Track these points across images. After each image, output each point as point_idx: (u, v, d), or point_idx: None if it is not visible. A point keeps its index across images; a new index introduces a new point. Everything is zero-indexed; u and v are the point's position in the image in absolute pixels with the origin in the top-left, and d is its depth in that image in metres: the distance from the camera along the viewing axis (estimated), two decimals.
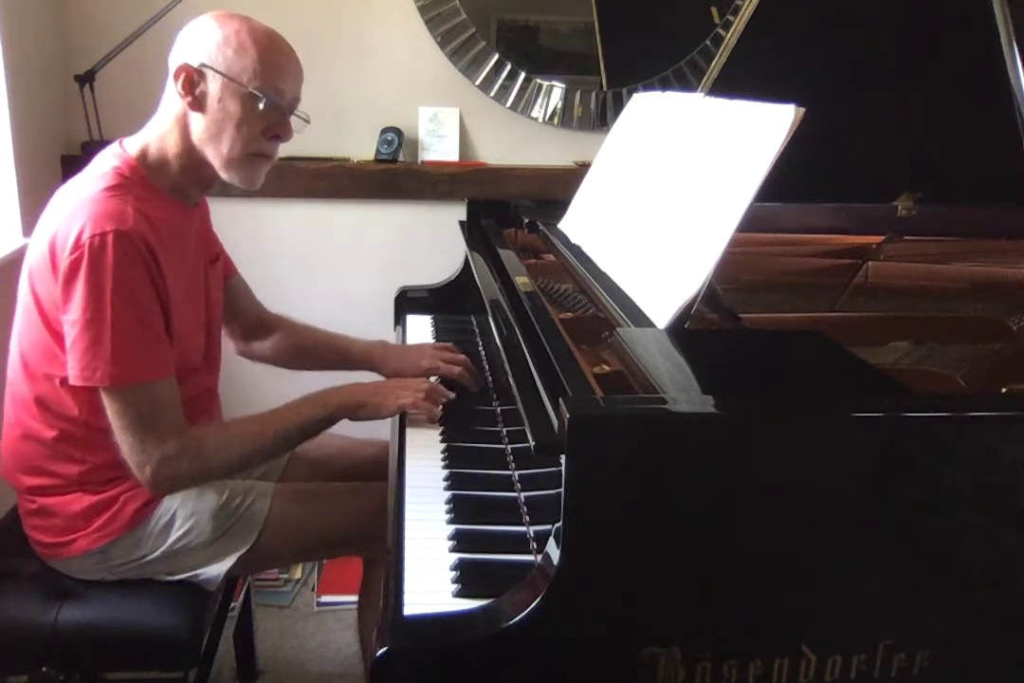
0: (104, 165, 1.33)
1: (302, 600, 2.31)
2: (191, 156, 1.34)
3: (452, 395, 1.48)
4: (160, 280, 1.27)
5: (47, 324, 1.29)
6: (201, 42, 1.31)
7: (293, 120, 1.38)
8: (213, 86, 1.30)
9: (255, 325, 1.71)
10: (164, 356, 1.29)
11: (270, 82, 1.31)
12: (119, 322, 1.22)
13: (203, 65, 1.30)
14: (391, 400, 1.42)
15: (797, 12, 1.59)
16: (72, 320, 1.23)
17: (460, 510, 1.19)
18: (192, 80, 1.30)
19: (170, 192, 1.37)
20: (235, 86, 1.30)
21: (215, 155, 1.33)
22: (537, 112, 2.45)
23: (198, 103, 1.31)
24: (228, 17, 1.33)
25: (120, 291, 1.22)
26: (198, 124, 1.32)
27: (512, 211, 1.99)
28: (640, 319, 1.15)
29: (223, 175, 1.36)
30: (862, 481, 0.90)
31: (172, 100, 1.34)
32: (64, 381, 1.27)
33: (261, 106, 1.31)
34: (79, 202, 1.26)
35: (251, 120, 1.32)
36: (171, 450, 1.27)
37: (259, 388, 2.08)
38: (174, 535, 1.37)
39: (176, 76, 1.30)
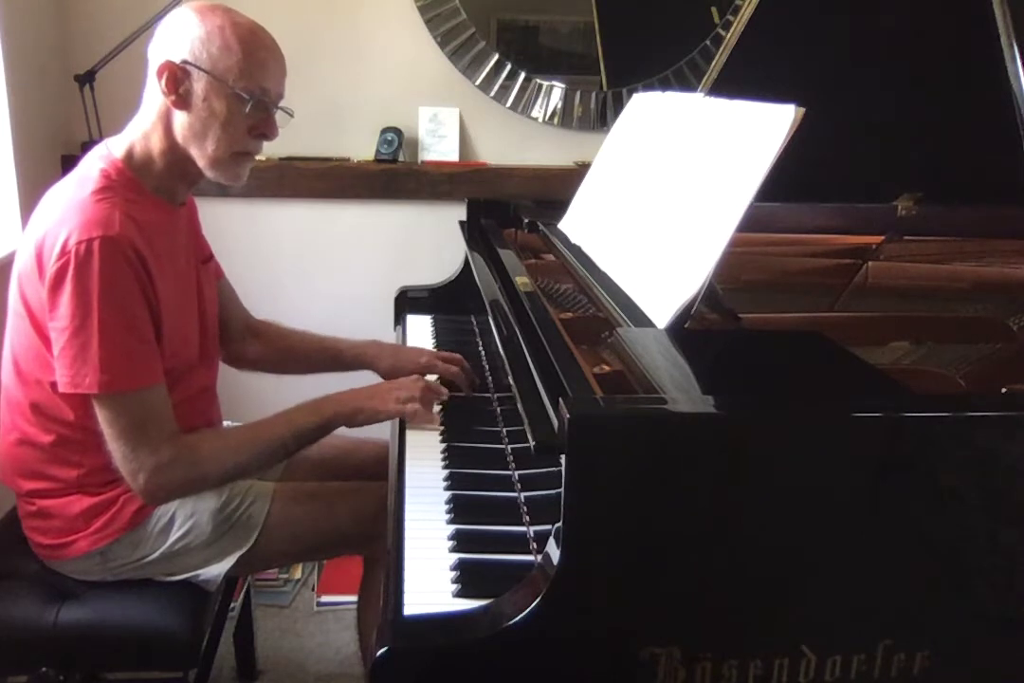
0: (91, 168, 1.31)
1: (302, 600, 2.31)
2: (175, 153, 1.32)
3: (446, 391, 1.49)
4: (149, 285, 1.26)
5: (37, 329, 1.27)
6: (183, 37, 1.28)
7: (277, 115, 1.36)
8: (198, 85, 1.28)
9: (241, 331, 1.69)
10: (153, 363, 1.28)
11: (255, 81, 1.29)
12: (107, 329, 1.21)
13: (186, 62, 1.27)
14: (389, 404, 1.41)
15: (797, 12, 1.59)
16: (59, 327, 1.22)
17: (460, 510, 1.19)
18: (176, 78, 1.27)
19: (157, 192, 1.35)
20: (220, 86, 1.28)
21: (200, 154, 1.32)
22: (537, 112, 2.45)
23: (182, 101, 1.29)
24: (210, 10, 1.29)
25: (107, 298, 1.21)
26: (182, 122, 1.30)
27: (512, 211, 1.99)
28: (640, 319, 1.15)
29: (208, 173, 1.34)
30: (862, 481, 0.90)
31: (154, 97, 1.31)
32: (56, 386, 1.26)
33: (247, 107, 1.29)
34: (67, 207, 1.25)
35: (237, 120, 1.30)
36: (165, 458, 1.26)
37: (258, 388, 2.08)
38: (174, 536, 1.37)
39: (159, 74, 1.28)
